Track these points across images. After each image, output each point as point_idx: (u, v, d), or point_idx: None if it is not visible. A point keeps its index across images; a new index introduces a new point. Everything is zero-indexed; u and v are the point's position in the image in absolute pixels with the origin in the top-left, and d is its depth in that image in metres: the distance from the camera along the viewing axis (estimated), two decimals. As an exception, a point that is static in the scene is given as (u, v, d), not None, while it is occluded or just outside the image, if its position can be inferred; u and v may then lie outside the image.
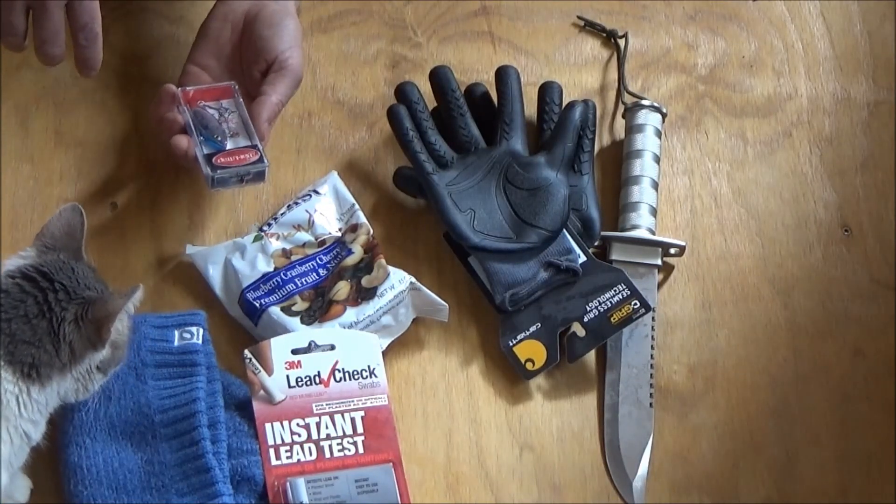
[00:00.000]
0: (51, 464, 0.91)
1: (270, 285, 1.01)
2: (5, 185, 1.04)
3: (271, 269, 1.01)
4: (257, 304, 0.99)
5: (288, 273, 1.01)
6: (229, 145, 1.00)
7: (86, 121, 1.08)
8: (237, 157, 0.99)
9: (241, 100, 1.02)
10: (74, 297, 0.85)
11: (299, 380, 0.97)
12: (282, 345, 0.97)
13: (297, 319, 0.99)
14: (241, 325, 1.01)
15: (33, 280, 0.84)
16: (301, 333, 0.98)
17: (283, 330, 0.98)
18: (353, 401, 0.97)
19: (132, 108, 1.09)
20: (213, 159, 0.98)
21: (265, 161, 0.99)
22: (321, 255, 1.03)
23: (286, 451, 0.94)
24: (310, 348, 0.97)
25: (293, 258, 1.02)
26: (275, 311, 0.99)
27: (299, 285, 1.01)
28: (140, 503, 0.90)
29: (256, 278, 1.01)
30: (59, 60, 0.95)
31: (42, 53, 0.94)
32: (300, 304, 1.00)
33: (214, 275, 1.01)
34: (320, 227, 1.04)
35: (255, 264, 1.01)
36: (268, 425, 0.95)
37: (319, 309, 1.00)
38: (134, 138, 1.08)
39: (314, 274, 1.02)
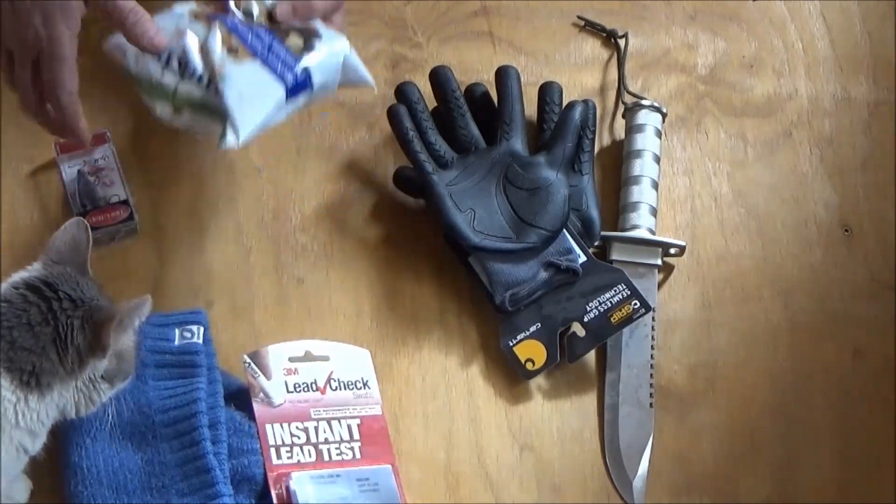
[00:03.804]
0: (51, 464, 0.91)
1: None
2: (5, 185, 1.04)
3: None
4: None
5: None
6: (102, 203, 1.02)
7: (86, 121, 1.08)
8: (108, 216, 1.01)
9: (114, 147, 1.03)
10: (80, 306, 0.85)
11: (297, 386, 0.97)
12: (279, 353, 0.98)
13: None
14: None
15: (38, 290, 0.84)
16: (297, 343, 0.99)
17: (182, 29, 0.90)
18: (348, 408, 0.98)
19: (132, 109, 1.09)
20: (85, 218, 0.99)
21: (135, 218, 1.01)
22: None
23: (287, 452, 0.95)
24: (305, 358, 0.98)
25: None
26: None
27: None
28: (140, 503, 0.90)
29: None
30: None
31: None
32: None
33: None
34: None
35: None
36: (268, 426, 0.95)
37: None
38: (134, 138, 1.08)
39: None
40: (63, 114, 0.90)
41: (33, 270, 0.87)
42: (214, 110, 0.89)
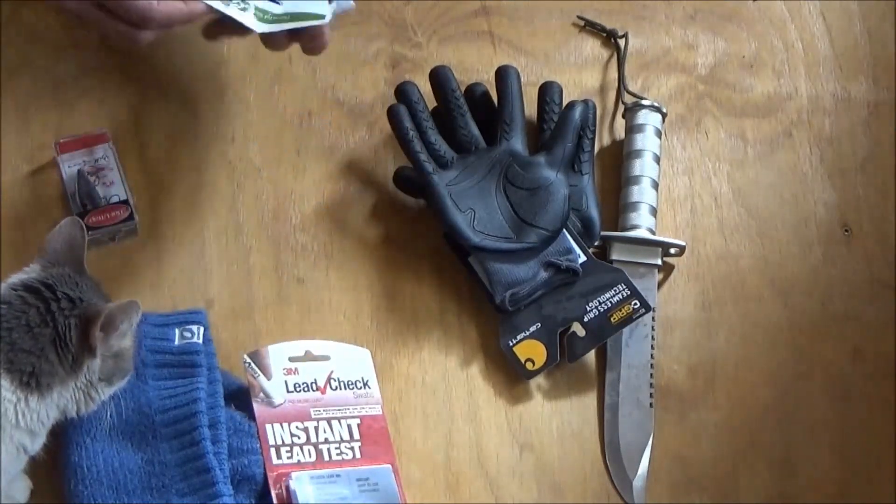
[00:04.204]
0: (51, 464, 0.91)
1: None
2: (5, 185, 1.04)
3: None
4: None
5: None
6: (102, 203, 1.02)
7: (86, 120, 1.08)
8: (108, 216, 1.01)
9: (114, 147, 1.03)
10: (79, 305, 0.85)
11: (297, 385, 0.97)
12: (279, 352, 0.98)
13: None
14: None
15: (36, 291, 0.84)
16: (297, 343, 0.99)
17: None
18: (348, 408, 0.98)
19: (133, 108, 1.09)
20: (85, 219, 1.00)
21: (135, 218, 1.01)
22: None
23: (286, 452, 0.95)
24: (305, 357, 0.98)
25: None
26: None
27: None
28: (140, 503, 0.90)
29: None
30: None
31: None
32: None
33: None
34: None
35: None
36: (268, 426, 0.95)
37: None
38: (134, 138, 1.08)
39: None
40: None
41: (31, 272, 0.87)
42: (296, 16, 0.94)
